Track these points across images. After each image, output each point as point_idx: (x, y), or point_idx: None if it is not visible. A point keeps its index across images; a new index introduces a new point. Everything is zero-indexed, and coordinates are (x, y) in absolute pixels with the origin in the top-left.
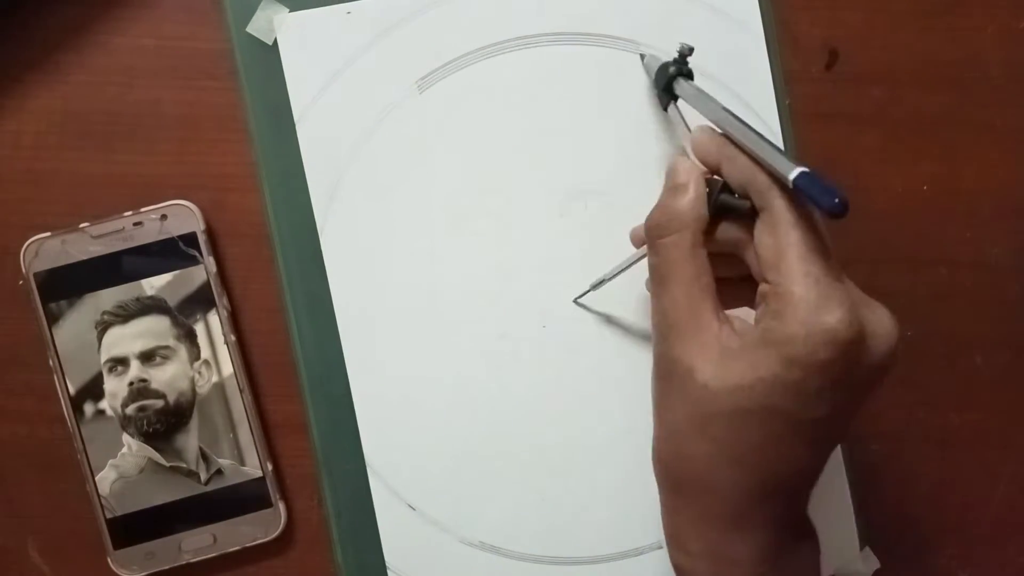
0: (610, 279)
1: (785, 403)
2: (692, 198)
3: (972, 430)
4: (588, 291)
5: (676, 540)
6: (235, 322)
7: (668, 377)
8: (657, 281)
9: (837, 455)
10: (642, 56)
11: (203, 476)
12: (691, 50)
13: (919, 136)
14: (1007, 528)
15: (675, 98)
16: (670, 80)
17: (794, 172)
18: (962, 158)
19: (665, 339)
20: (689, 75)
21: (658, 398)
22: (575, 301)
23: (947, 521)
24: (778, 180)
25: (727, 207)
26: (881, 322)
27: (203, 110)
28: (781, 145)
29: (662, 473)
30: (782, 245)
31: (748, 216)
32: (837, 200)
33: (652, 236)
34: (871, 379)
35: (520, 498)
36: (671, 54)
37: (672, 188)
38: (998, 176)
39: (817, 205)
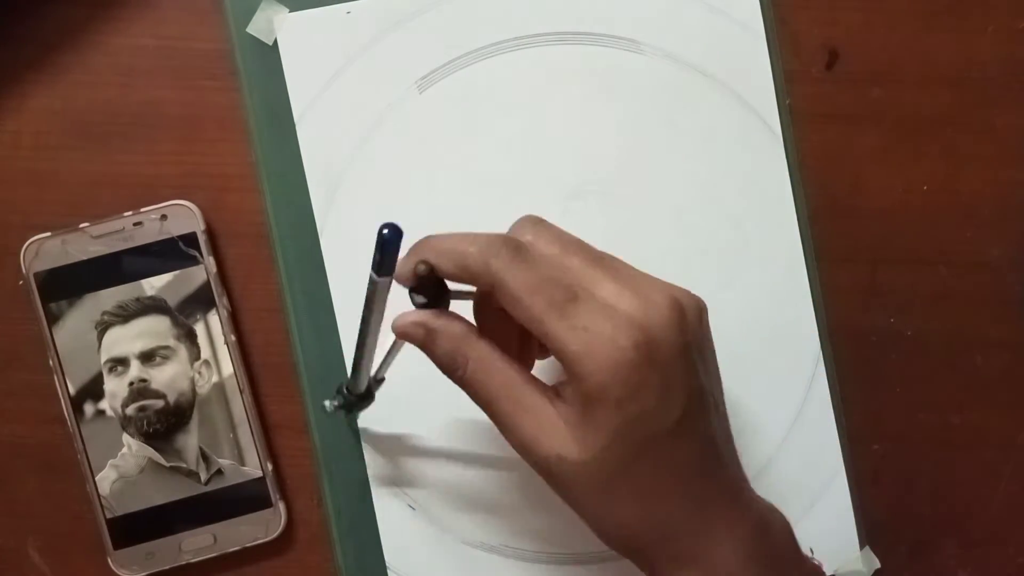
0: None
1: (651, 427)
2: (446, 336)
3: (972, 430)
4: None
5: None
6: (235, 322)
7: (556, 477)
8: (484, 405)
9: (837, 456)
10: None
11: (203, 476)
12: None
13: (919, 136)
14: (1007, 528)
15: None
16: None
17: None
18: (962, 158)
19: (526, 449)
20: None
21: (565, 499)
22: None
23: (947, 521)
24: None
25: (458, 295)
26: (645, 298)
27: (203, 110)
28: (779, 135)
29: (626, 551)
30: (530, 314)
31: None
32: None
33: (452, 378)
34: (679, 341)
35: (521, 498)
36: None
37: (424, 343)
38: (998, 176)
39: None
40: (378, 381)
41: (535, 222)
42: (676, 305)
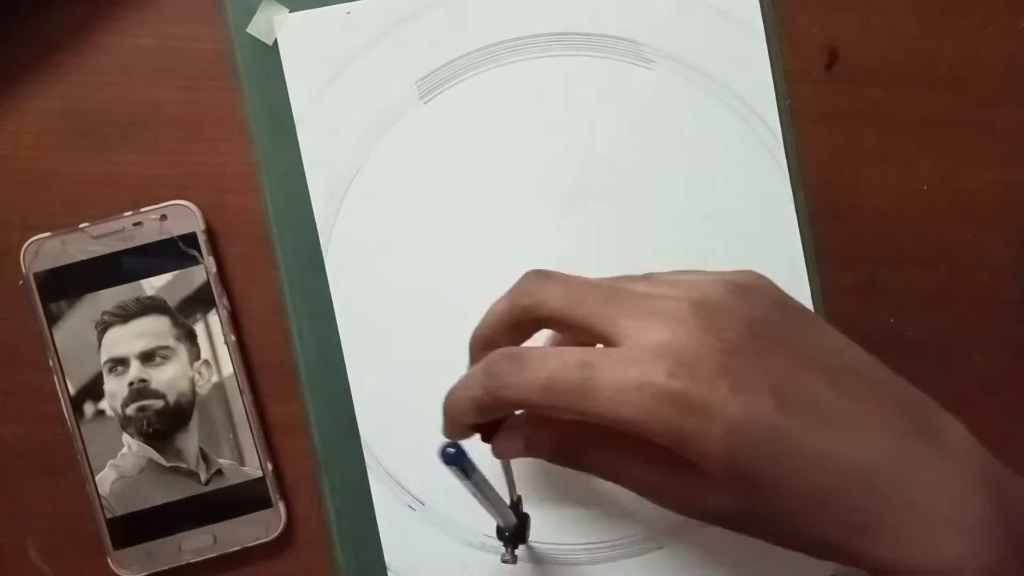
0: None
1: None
2: (538, 440)
3: (972, 430)
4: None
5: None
6: (235, 322)
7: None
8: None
9: None
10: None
11: (203, 476)
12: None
13: (919, 136)
14: None
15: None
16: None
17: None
18: (962, 158)
19: (683, 509)
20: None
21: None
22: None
23: None
24: None
25: None
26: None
27: (203, 110)
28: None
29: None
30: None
31: None
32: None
33: (572, 466)
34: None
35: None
36: None
37: (526, 452)
38: (998, 176)
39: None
40: (517, 504)
41: (539, 278)
42: (727, 281)
